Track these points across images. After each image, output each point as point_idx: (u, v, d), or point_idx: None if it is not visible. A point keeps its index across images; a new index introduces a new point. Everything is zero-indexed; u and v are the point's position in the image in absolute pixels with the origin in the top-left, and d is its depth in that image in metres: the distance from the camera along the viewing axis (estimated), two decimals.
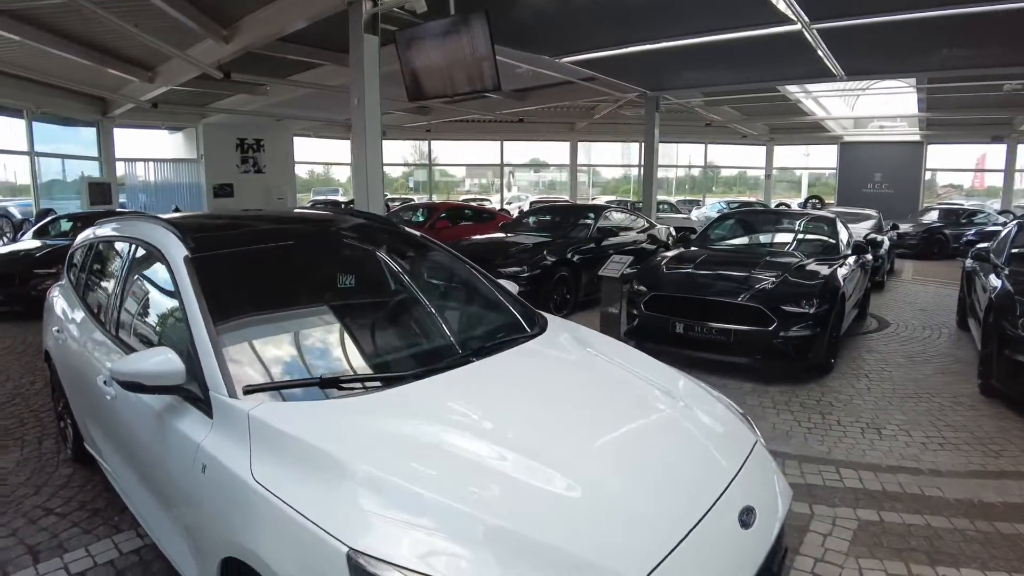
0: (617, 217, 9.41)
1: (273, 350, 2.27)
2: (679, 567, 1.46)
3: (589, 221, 8.59)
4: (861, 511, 2.96)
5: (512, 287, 3.08)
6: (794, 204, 21.05)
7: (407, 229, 3.34)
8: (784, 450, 3.66)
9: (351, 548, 1.38)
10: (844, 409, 4.32)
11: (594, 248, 8.03)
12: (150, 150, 16.50)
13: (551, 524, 1.48)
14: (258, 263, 2.65)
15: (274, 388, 1.95)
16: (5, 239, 9.25)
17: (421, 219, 11.15)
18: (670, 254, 6.35)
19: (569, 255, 7.73)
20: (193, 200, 16.70)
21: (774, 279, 5.04)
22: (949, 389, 4.71)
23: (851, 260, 5.90)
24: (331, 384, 1.94)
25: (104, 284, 3.14)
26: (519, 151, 24.94)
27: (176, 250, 2.38)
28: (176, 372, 1.93)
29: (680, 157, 25.90)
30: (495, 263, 7.28)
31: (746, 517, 1.68)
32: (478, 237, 8.88)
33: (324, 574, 1.41)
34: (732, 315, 4.89)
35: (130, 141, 15.70)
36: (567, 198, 22.70)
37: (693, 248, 6.46)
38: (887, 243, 9.68)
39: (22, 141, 11.40)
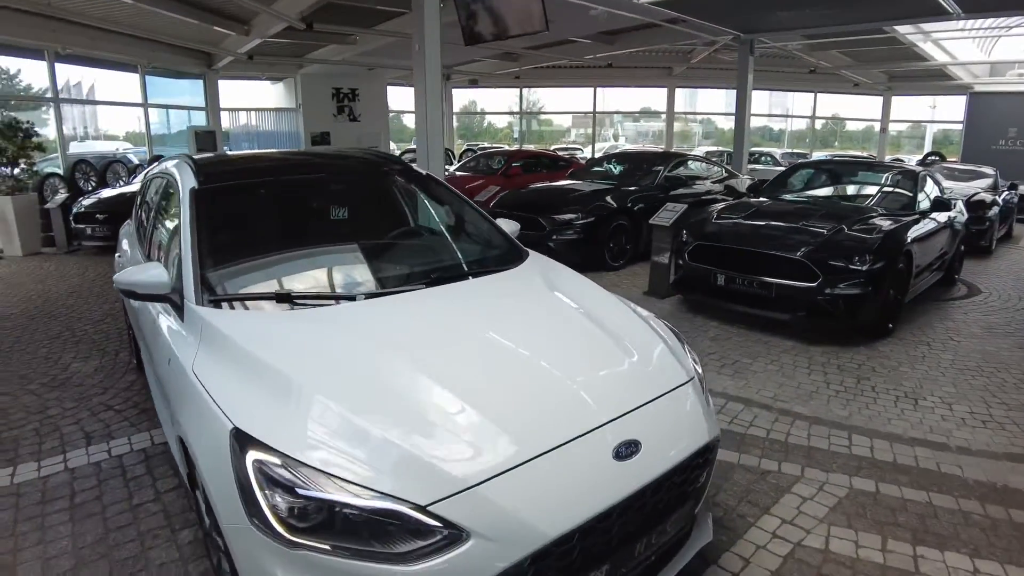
0: (691, 166, 8.96)
1: (251, 270, 2.50)
2: (525, 479, 1.53)
3: (657, 169, 8.24)
4: (858, 479, 2.78)
5: (513, 226, 3.15)
6: (912, 161, 18.88)
7: (414, 168, 3.39)
8: (798, 410, 3.47)
9: (235, 426, 1.59)
10: (885, 376, 3.99)
11: (660, 197, 7.71)
12: (255, 100, 17.55)
13: (413, 427, 1.60)
14: (254, 196, 2.93)
15: (235, 299, 2.19)
16: (121, 182, 10.30)
17: (495, 167, 11.17)
18: (725, 204, 5.99)
19: (629, 203, 7.50)
20: (293, 147, 17.66)
21: (827, 232, 4.64)
22: (1022, 366, 4.20)
23: (934, 218, 5.30)
24: (285, 299, 2.16)
25: (145, 215, 3.58)
26: (618, 98, 24.01)
27: (187, 183, 2.69)
28: (162, 283, 2.24)
29: (796, 107, 23.81)
30: (551, 209, 7.25)
31: (624, 449, 1.68)
32: (538, 184, 8.80)
33: (218, 449, 1.61)
34: (776, 268, 4.59)
35: (237, 92, 16.78)
36: (663, 147, 21.76)
37: (752, 198, 6.05)
38: (999, 204, 8.54)
39: (137, 93, 12.54)
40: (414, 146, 23.36)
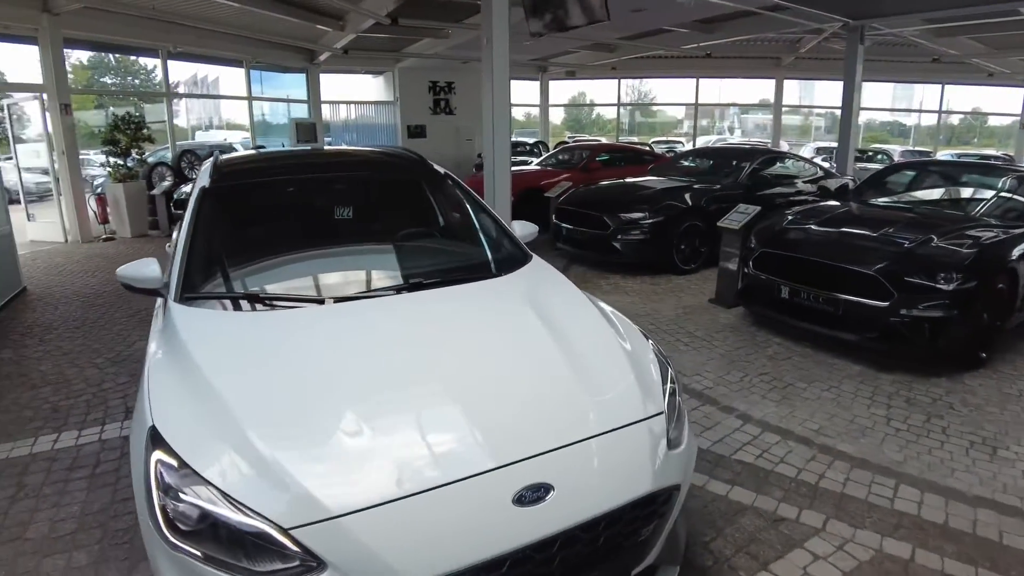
0: (781, 165, 8.26)
1: (237, 270, 2.52)
2: (397, 516, 1.43)
3: (741, 166, 7.65)
4: (890, 541, 2.36)
5: (528, 228, 3.04)
6: None
7: (433, 168, 3.28)
8: (843, 448, 3.04)
9: (152, 424, 1.63)
10: (963, 416, 3.41)
11: (740, 197, 7.16)
12: (356, 93, 18.30)
13: (304, 447, 1.55)
14: (259, 196, 2.96)
15: (207, 298, 2.21)
16: None
17: (576, 161, 10.90)
18: (802, 208, 5.42)
19: (704, 202, 7.02)
20: (390, 139, 18.27)
21: (910, 243, 4.04)
22: None
23: None
24: (255, 300, 2.19)
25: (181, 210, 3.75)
26: (732, 89, 22.74)
27: (202, 181, 2.78)
28: (154, 278, 2.32)
29: (925, 101, 21.42)
30: (617, 207, 6.93)
31: (530, 494, 1.51)
32: (609, 181, 8.47)
33: (139, 443, 1.67)
34: (846, 283, 4.07)
35: (340, 85, 17.59)
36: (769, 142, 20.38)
37: (835, 202, 5.43)
38: None
39: (242, 87, 13.44)
40: (517, 138, 23.38)
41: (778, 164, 8.20)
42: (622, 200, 7.14)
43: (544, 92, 21.07)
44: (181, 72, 13.86)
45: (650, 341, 2.24)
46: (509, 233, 2.87)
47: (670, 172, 8.37)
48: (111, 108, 11.47)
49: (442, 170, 3.29)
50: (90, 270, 7.24)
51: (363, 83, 18.41)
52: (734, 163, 7.82)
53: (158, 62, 11.28)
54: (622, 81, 21.56)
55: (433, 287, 2.34)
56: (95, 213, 9.43)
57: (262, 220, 2.91)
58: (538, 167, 11.11)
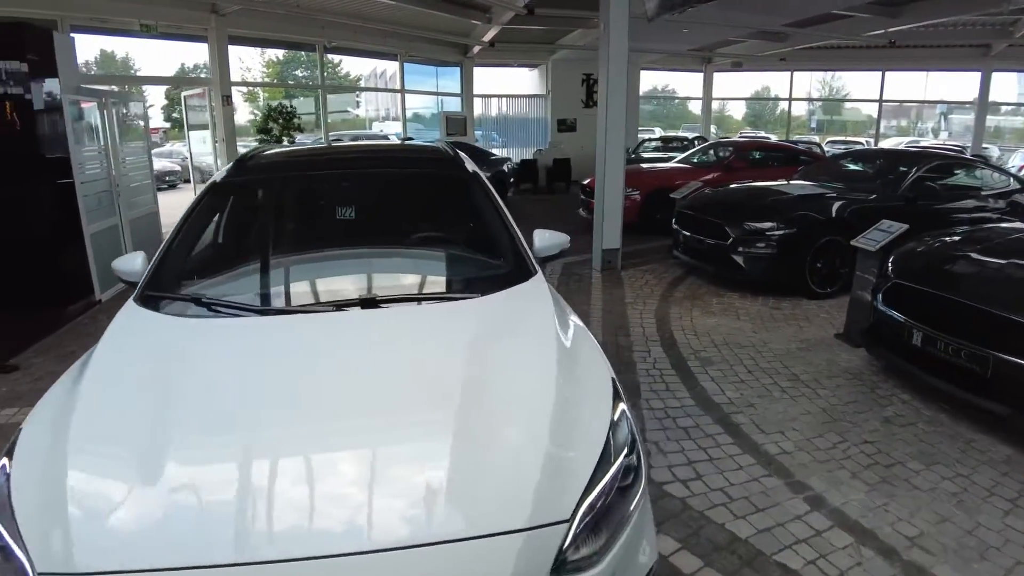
0: (959, 173, 6.68)
1: (211, 271, 2.46)
2: None
3: (903, 173, 6.28)
4: None
5: (556, 239, 2.67)
6: None
7: (460, 166, 2.95)
8: (939, 572, 2.20)
9: (21, 429, 1.59)
10: None
11: (900, 210, 5.87)
12: (510, 87, 18.46)
13: (110, 490, 1.40)
14: (265, 194, 2.89)
15: (161, 298, 2.13)
16: None
17: (717, 159, 9.86)
18: (967, 228, 4.21)
19: (849, 214, 5.86)
20: (540, 134, 18.19)
21: None
22: None
23: None
24: (203, 304, 2.05)
25: None
26: (923, 84, 19.54)
27: (219, 175, 2.77)
28: (133, 271, 2.31)
29: None
30: (742, 215, 6.05)
31: None
32: (739, 184, 7.46)
33: None
34: (1003, 335, 3.03)
35: (495, 79, 17.85)
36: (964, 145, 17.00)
37: (1012, 223, 4.15)
38: None
39: (397, 80, 14.17)
40: (665, 133, 22.15)
41: (956, 173, 6.62)
42: (749, 206, 6.23)
43: (708, 84, 19.61)
44: (362, 67, 14.75)
45: (620, 406, 1.72)
46: (518, 247, 2.46)
47: (820, 176, 7.15)
48: (266, 99, 12.70)
49: (472, 168, 2.95)
50: None
51: (518, 77, 18.50)
52: (896, 169, 6.46)
53: (343, 58, 12.26)
54: (808, 74, 19.42)
55: (393, 303, 2.07)
56: None
57: (257, 220, 2.83)
58: (675, 165, 10.25)
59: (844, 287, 5.83)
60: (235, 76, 10.45)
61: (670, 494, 2.71)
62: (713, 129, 21.04)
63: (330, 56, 17.92)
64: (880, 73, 17.52)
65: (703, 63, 19.05)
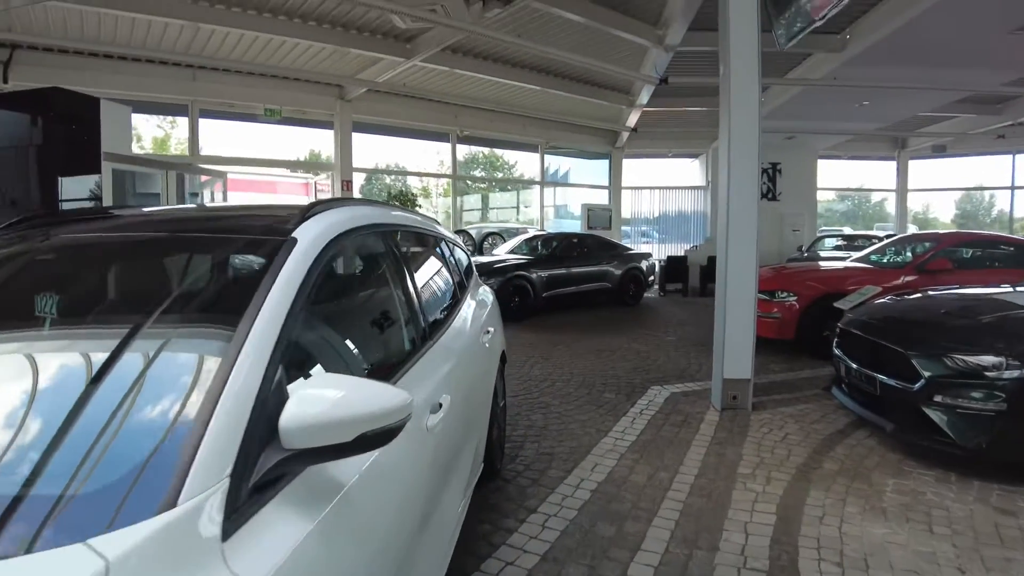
0: None
1: None
2: None
3: None
4: None
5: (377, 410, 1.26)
6: None
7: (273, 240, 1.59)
8: None
9: None
10: None
11: None
12: (666, 179, 16.97)
13: None
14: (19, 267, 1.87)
15: None
16: (494, 252, 11.19)
17: (909, 257, 7.28)
18: None
19: None
20: (699, 229, 16.36)
21: None
22: None
23: None
24: None
25: None
26: None
27: None
28: None
29: None
30: (939, 340, 3.79)
31: None
32: (943, 290, 4.92)
33: None
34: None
35: (651, 170, 16.53)
36: None
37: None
38: None
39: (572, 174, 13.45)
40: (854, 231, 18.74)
41: None
42: (956, 326, 3.96)
43: (902, 173, 16.38)
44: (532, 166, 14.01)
45: None
46: None
47: None
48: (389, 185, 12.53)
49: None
50: None
51: (677, 168, 16.99)
52: None
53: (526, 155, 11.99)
54: (1016, 156, 15.32)
55: None
56: None
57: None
58: (851, 264, 7.81)
59: None
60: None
61: None
62: (911, 229, 17.27)
63: (508, 156, 17.10)
64: None
65: (896, 147, 16.01)
